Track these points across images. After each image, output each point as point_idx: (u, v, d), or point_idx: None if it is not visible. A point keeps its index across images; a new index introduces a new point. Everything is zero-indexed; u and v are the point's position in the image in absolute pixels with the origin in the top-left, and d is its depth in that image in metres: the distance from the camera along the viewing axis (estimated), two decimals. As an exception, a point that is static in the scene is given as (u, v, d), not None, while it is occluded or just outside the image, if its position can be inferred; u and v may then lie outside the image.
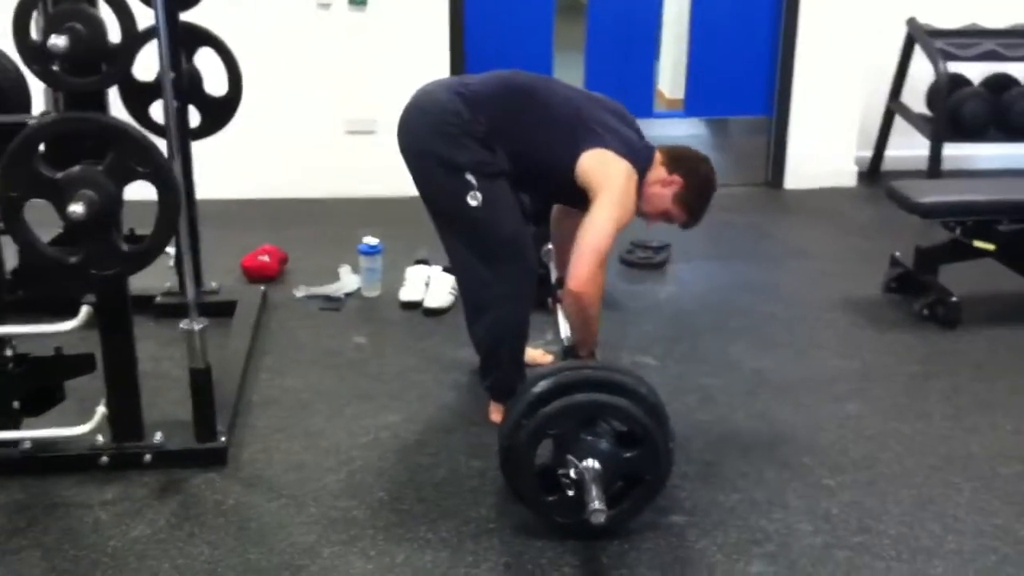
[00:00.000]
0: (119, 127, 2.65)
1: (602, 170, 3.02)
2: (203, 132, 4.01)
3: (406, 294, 4.24)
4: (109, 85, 2.79)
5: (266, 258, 4.49)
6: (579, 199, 3.07)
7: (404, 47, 5.42)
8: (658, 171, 3.17)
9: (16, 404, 2.97)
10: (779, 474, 3.03)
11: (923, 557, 2.66)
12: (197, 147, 3.96)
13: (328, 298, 4.26)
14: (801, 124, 5.85)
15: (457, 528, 2.76)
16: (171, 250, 3.70)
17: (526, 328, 3.27)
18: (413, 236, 4.66)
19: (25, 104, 3.44)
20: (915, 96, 5.89)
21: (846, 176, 5.97)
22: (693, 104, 6.10)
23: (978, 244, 4.10)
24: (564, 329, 3.43)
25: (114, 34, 2.61)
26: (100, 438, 3.00)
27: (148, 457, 3.00)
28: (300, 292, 4.31)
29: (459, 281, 3.32)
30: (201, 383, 2.99)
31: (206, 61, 3.92)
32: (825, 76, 5.75)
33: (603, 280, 3.00)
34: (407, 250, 4.57)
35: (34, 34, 2.61)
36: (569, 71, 5.60)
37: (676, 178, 3.17)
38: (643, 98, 5.96)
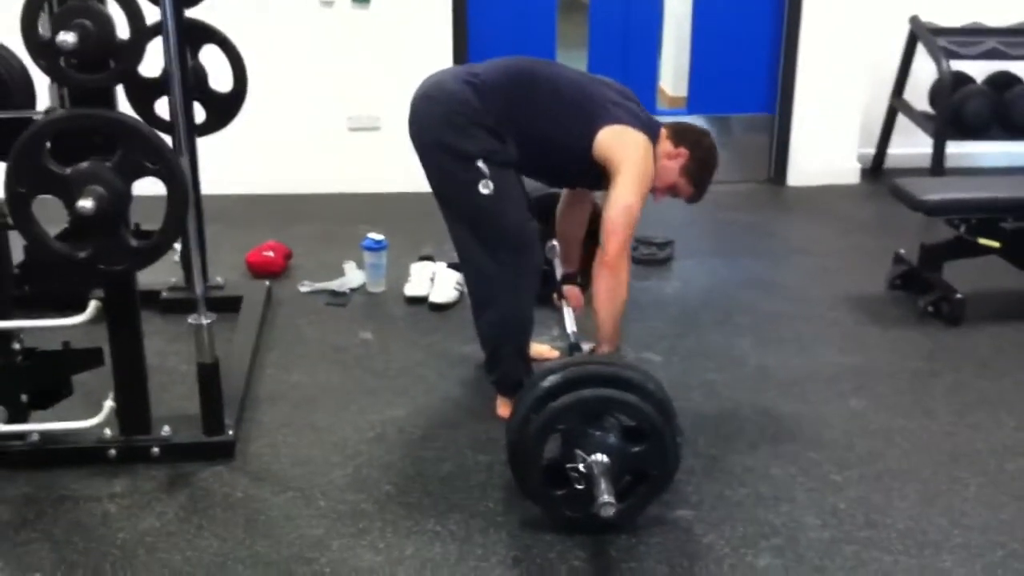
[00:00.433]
0: (129, 123, 2.66)
1: (621, 144, 3.05)
2: (208, 128, 4.02)
3: (411, 289, 4.24)
4: (118, 81, 2.80)
5: (271, 254, 4.50)
6: (595, 178, 3.10)
7: (408, 46, 5.42)
8: (665, 145, 3.21)
9: (24, 397, 2.98)
10: (785, 469, 3.04)
11: (930, 551, 2.66)
12: (202, 143, 3.96)
13: (333, 293, 4.27)
14: (804, 121, 5.85)
15: (465, 522, 2.77)
16: (177, 246, 3.72)
17: (530, 321, 3.28)
18: (418, 232, 4.68)
19: (30, 100, 3.44)
20: (918, 94, 5.90)
21: (849, 173, 5.98)
22: (696, 101, 6.11)
23: (983, 241, 4.10)
24: (570, 324, 3.45)
25: (122, 30, 2.61)
26: (108, 431, 3.01)
27: (156, 450, 3.01)
28: (305, 288, 4.31)
29: (465, 273, 3.33)
30: (209, 377, 3.00)
31: (211, 58, 3.93)
32: (828, 73, 5.75)
33: (629, 256, 3.05)
34: (412, 246, 4.58)
35: (42, 30, 2.62)
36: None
37: (682, 150, 3.21)
38: (646, 96, 5.94)
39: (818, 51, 5.73)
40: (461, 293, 4.14)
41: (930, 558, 2.64)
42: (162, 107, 3.72)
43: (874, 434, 3.25)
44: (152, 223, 2.76)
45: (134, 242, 2.74)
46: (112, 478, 2.94)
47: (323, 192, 5.60)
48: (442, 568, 2.58)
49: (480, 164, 3.02)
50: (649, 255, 4.72)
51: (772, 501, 2.88)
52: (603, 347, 3.14)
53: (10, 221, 2.72)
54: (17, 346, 2.95)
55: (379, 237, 4.31)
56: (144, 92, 3.84)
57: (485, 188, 3.02)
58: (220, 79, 3.94)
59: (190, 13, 3.82)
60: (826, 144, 5.90)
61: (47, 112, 2.78)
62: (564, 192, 3.60)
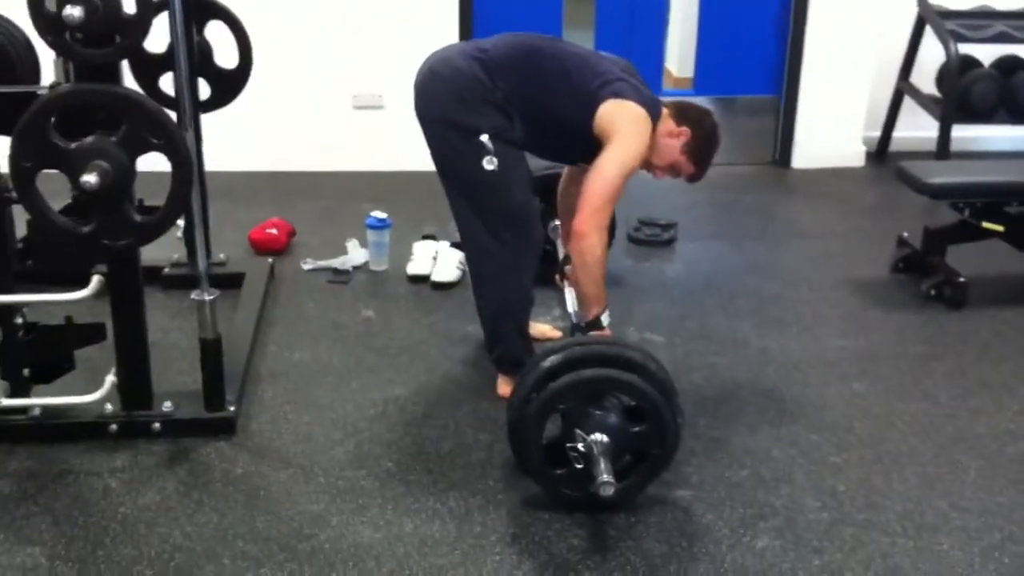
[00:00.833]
0: (134, 98, 2.65)
1: (618, 118, 3.05)
2: (213, 104, 4.01)
3: (414, 268, 4.24)
4: (124, 56, 2.78)
5: (274, 231, 4.50)
6: (599, 153, 3.09)
7: (413, 24, 5.40)
8: (667, 123, 3.20)
9: (26, 372, 2.99)
10: (785, 451, 3.04)
11: (929, 534, 2.67)
12: (206, 119, 3.96)
13: (336, 271, 4.27)
14: (810, 104, 5.84)
15: (465, 499, 2.78)
16: (180, 222, 3.72)
17: (530, 299, 3.29)
18: (421, 211, 4.68)
19: (34, 74, 3.44)
20: (925, 77, 5.88)
21: (854, 156, 5.96)
22: (702, 83, 6.09)
23: (987, 225, 4.10)
24: (572, 304, 3.44)
25: (128, 5, 2.60)
26: (109, 406, 3.01)
27: (157, 426, 3.02)
28: (308, 265, 4.32)
29: (466, 250, 3.33)
30: (211, 353, 3.00)
31: (216, 34, 3.91)
32: (834, 56, 5.73)
33: (605, 224, 3.03)
34: (415, 225, 4.58)
35: (48, 4, 2.61)
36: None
37: (684, 129, 3.20)
38: (652, 76, 5.93)
39: (825, 33, 5.71)
40: (463, 272, 4.14)
41: (928, 541, 2.65)
42: (167, 83, 3.72)
43: (875, 417, 3.25)
44: (156, 199, 2.76)
45: (138, 218, 2.74)
46: (113, 453, 2.95)
47: (327, 170, 5.60)
48: (441, 545, 2.59)
49: (485, 139, 3.02)
50: (652, 236, 4.71)
51: (772, 483, 2.88)
52: (591, 311, 3.13)
53: (14, 195, 2.73)
54: (20, 320, 2.95)
55: (382, 216, 4.31)
56: (149, 68, 3.83)
57: (489, 164, 3.02)
58: (225, 55, 3.93)
59: (196, -12, 3.81)
60: (832, 126, 5.89)
61: (52, 87, 2.77)
62: (566, 171, 3.60)
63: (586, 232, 3.00)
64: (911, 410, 3.30)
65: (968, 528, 2.70)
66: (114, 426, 3.00)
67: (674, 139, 3.21)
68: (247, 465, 2.92)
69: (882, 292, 4.22)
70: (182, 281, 3.91)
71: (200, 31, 3.89)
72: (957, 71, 5.47)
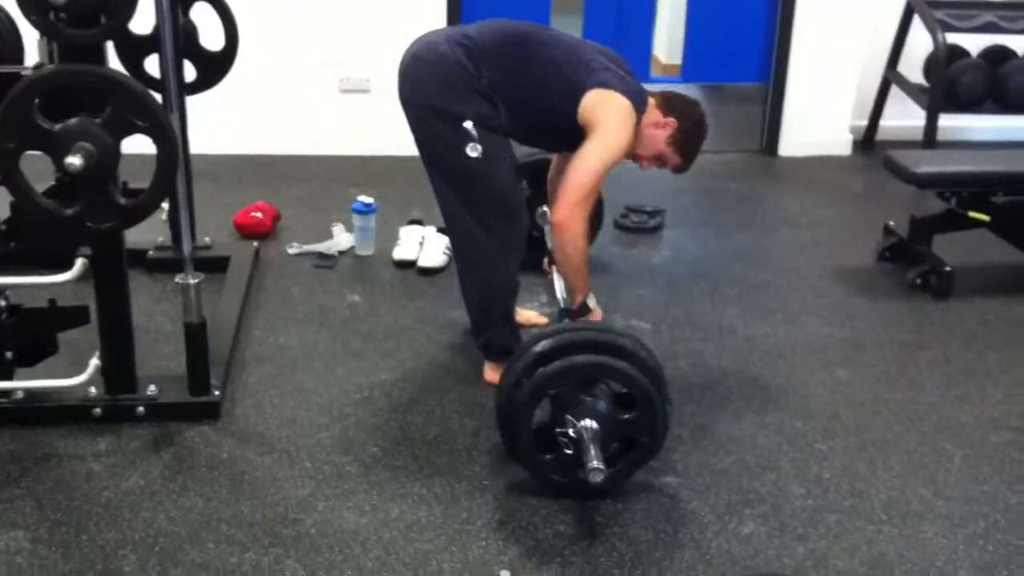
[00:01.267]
0: (119, 80, 2.63)
1: (602, 108, 3.03)
2: (198, 87, 3.99)
3: (400, 253, 4.23)
4: (109, 37, 2.77)
5: (259, 215, 4.47)
6: (583, 142, 3.07)
7: (400, 8, 5.37)
8: (653, 114, 3.18)
9: (9, 355, 2.97)
10: (771, 438, 3.05)
11: (913, 521, 2.68)
12: (191, 102, 3.94)
13: (321, 256, 4.25)
14: (797, 92, 5.83)
15: (451, 485, 2.77)
16: (164, 205, 3.70)
17: (516, 286, 3.28)
18: (407, 196, 4.67)
19: (18, 55, 3.41)
20: (912, 66, 5.88)
21: (841, 145, 5.96)
22: (690, 70, 6.07)
23: (973, 215, 4.10)
24: (560, 291, 3.44)
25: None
26: (93, 390, 3.00)
27: (141, 410, 3.00)
28: (293, 249, 4.30)
29: (451, 236, 3.32)
30: (195, 337, 2.98)
31: (202, 16, 3.89)
32: (823, 44, 5.72)
33: (585, 216, 3.02)
34: (401, 209, 4.56)
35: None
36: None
37: (671, 120, 3.19)
38: (640, 63, 5.91)
39: (813, 21, 5.70)
40: (450, 258, 4.12)
41: (913, 528, 2.66)
42: (152, 65, 3.70)
43: (860, 405, 3.26)
44: (141, 181, 2.73)
45: (122, 200, 2.72)
46: (97, 437, 2.94)
47: (313, 154, 5.57)
48: (427, 531, 2.59)
49: (469, 126, 3.01)
50: (639, 223, 4.71)
51: (757, 470, 2.89)
52: (576, 298, 3.15)
53: (-3, 177, 2.70)
54: (2, 303, 2.93)
55: (369, 200, 4.29)
56: (134, 49, 3.80)
57: (473, 151, 3.01)
58: (211, 37, 3.91)
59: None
60: (819, 115, 5.88)
61: (36, 67, 2.75)
62: (555, 158, 3.59)
63: (567, 225, 2.99)
64: (896, 398, 3.30)
65: (952, 516, 2.71)
66: (98, 410, 2.99)
67: (660, 130, 3.19)
68: (232, 450, 2.91)
69: (868, 281, 4.23)
70: (166, 264, 3.89)
71: (186, 12, 3.86)
72: (945, 60, 5.47)
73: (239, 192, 4.85)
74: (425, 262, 4.15)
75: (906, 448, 3.02)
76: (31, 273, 2.95)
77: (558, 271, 3.26)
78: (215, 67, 3.96)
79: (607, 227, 4.43)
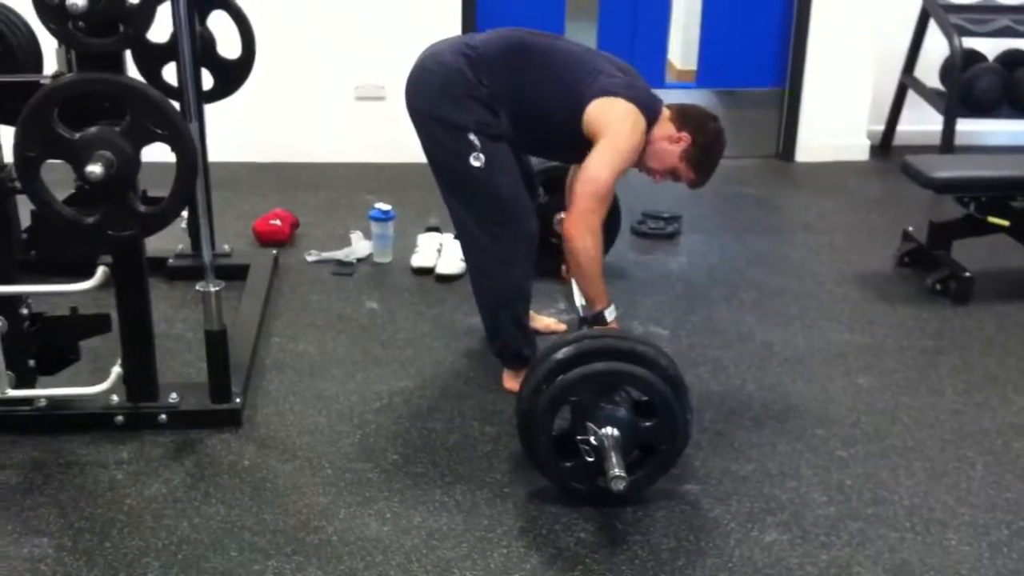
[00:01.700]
0: (138, 88, 2.64)
1: (607, 115, 3.03)
2: (216, 95, 4.00)
3: (418, 260, 4.23)
4: (127, 46, 2.77)
5: (278, 222, 4.48)
6: (588, 152, 3.06)
7: (416, 15, 5.39)
8: (666, 127, 3.17)
9: (31, 363, 2.98)
10: (791, 445, 3.04)
11: (936, 528, 2.67)
12: (209, 110, 3.95)
13: (340, 263, 4.25)
14: (814, 97, 5.81)
15: (471, 492, 2.77)
16: (184, 212, 3.71)
17: (527, 292, 3.26)
18: (424, 202, 4.66)
19: (37, 63, 3.43)
20: (929, 71, 5.86)
21: (858, 150, 5.94)
22: (705, 75, 6.07)
23: (992, 220, 4.09)
24: (579, 298, 3.44)
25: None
26: (115, 398, 3.01)
27: (163, 417, 3.01)
28: (312, 257, 4.30)
29: (461, 244, 3.32)
30: (216, 344, 2.99)
31: (219, 24, 3.90)
32: (838, 49, 5.71)
33: (597, 225, 3.01)
34: (419, 216, 4.57)
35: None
36: (581, 41, 5.55)
37: (684, 135, 3.17)
38: (654, 69, 5.92)
39: (829, 26, 5.68)
40: (468, 264, 4.13)
41: (936, 535, 2.64)
42: (169, 73, 3.71)
43: (880, 411, 3.24)
44: (160, 190, 2.75)
45: (142, 208, 2.73)
46: (119, 444, 2.95)
47: (330, 161, 5.58)
48: (448, 538, 2.59)
49: (471, 137, 3.01)
50: (656, 229, 4.70)
51: (778, 477, 2.88)
52: (593, 307, 3.14)
53: (18, 185, 2.72)
54: (25, 311, 2.94)
55: (386, 208, 4.29)
56: (152, 57, 3.81)
57: (476, 160, 3.01)
58: (228, 46, 3.92)
59: (199, -21, 3.79)
60: (836, 120, 5.87)
61: (55, 76, 2.76)
62: (572, 167, 3.57)
63: (577, 235, 2.99)
64: (916, 405, 3.29)
65: (976, 523, 2.70)
66: (120, 417, 3.00)
67: (673, 145, 3.17)
68: (253, 457, 2.92)
69: (887, 286, 4.21)
70: (186, 272, 3.90)
71: (203, 21, 3.88)
72: (961, 65, 5.45)
73: (257, 200, 4.86)
74: (443, 269, 4.16)
75: (928, 455, 3.01)
76: (53, 281, 2.97)
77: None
78: (232, 75, 3.97)
79: (624, 233, 4.42)
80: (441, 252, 4.25)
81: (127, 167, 2.63)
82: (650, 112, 3.12)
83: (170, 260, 4.05)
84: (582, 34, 5.99)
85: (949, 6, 5.63)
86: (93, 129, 2.61)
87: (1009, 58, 5.81)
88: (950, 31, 5.44)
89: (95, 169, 2.55)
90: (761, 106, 6.24)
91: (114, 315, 2.97)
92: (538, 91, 3.09)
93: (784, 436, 3.09)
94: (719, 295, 4.10)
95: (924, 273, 4.21)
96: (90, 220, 2.68)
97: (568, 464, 2.66)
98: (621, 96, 3.06)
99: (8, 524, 2.60)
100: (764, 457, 2.97)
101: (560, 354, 2.67)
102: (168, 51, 3.75)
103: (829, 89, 5.79)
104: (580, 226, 2.98)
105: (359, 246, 4.33)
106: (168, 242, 3.94)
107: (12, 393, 2.93)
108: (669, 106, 3.22)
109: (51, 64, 3.21)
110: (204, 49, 3.85)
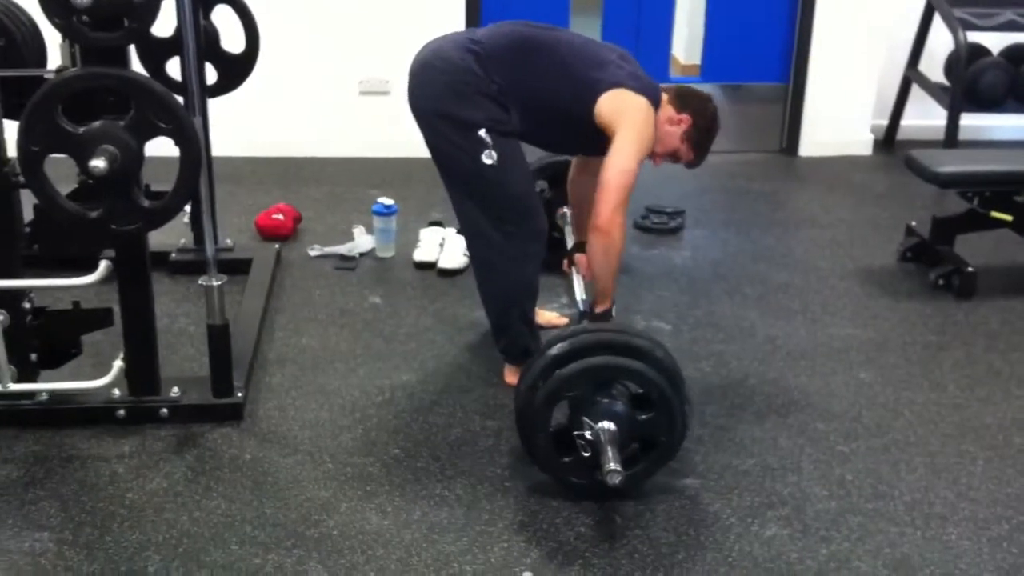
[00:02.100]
0: (142, 83, 2.64)
1: (621, 108, 3.03)
2: (220, 89, 4.01)
3: (420, 255, 4.24)
4: (132, 40, 2.78)
5: (280, 217, 4.49)
6: (599, 144, 3.06)
7: (419, 9, 5.38)
8: (667, 110, 3.18)
9: (33, 356, 2.99)
10: (793, 440, 3.04)
11: (937, 523, 2.67)
12: (213, 104, 3.95)
13: (342, 258, 4.26)
14: (817, 91, 5.81)
15: (472, 486, 2.78)
16: (187, 207, 3.71)
17: (536, 289, 3.27)
18: (427, 197, 4.67)
19: (41, 58, 3.43)
20: (933, 65, 5.85)
21: (862, 144, 5.94)
22: (709, 70, 6.06)
23: (996, 215, 4.08)
24: (580, 292, 3.44)
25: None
26: (117, 392, 3.01)
27: (165, 411, 3.02)
28: (314, 251, 4.31)
29: (468, 243, 3.31)
30: (218, 339, 3.00)
31: (223, 19, 3.90)
32: (843, 43, 5.70)
33: (624, 219, 3.02)
34: (421, 211, 4.57)
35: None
36: (586, 35, 5.55)
37: (685, 116, 3.19)
38: (659, 63, 5.92)
39: (833, 21, 5.67)
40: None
41: (936, 530, 2.65)
42: (173, 67, 3.71)
43: (882, 406, 3.24)
44: (164, 184, 2.75)
45: (146, 203, 2.73)
46: (120, 438, 2.95)
47: (333, 155, 5.58)
48: (449, 532, 2.60)
49: (483, 134, 3.00)
50: (659, 224, 4.70)
51: (779, 471, 2.88)
52: (600, 305, 3.15)
53: (22, 180, 2.72)
54: (27, 305, 2.95)
55: (389, 202, 4.30)
56: (156, 52, 3.82)
57: (488, 158, 3.00)
58: (232, 40, 3.92)
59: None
60: (840, 115, 5.86)
61: (59, 71, 2.77)
62: (576, 159, 3.58)
63: (609, 229, 2.98)
64: (919, 399, 3.29)
65: (976, 518, 2.70)
66: (122, 411, 3.00)
67: (675, 127, 3.19)
68: (255, 451, 2.92)
69: (890, 281, 4.21)
70: (189, 266, 3.91)
71: (207, 15, 3.88)
72: (966, 59, 5.44)
73: (260, 194, 4.87)
74: (445, 263, 4.16)
75: (929, 450, 3.01)
76: (55, 275, 2.97)
77: (590, 273, 3.23)
78: (236, 70, 3.98)
79: (628, 228, 4.37)
80: (443, 246, 4.25)
81: (131, 161, 2.64)
82: (654, 100, 3.13)
83: (173, 254, 4.05)
84: (587, 28, 5.97)
85: (954, 0, 5.61)
86: (97, 123, 2.61)
87: (1014, 52, 5.80)
88: (955, 25, 5.43)
89: (99, 163, 2.55)
90: (765, 101, 6.22)
91: (116, 309, 2.98)
92: (547, 85, 3.08)
93: (786, 430, 3.09)
94: (722, 290, 4.10)
95: (927, 268, 4.21)
96: (93, 214, 2.69)
97: (567, 459, 2.67)
98: (630, 88, 3.06)
99: (9, 518, 2.61)
100: (765, 451, 2.98)
101: (555, 350, 2.67)
102: (172, 45, 3.76)
103: (833, 84, 5.78)
104: (612, 221, 2.97)
105: (362, 240, 4.33)
106: (171, 236, 3.95)
107: (14, 387, 2.94)
108: (666, 89, 3.24)
109: (55, 58, 3.22)
110: (208, 44, 3.87)
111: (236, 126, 4.87)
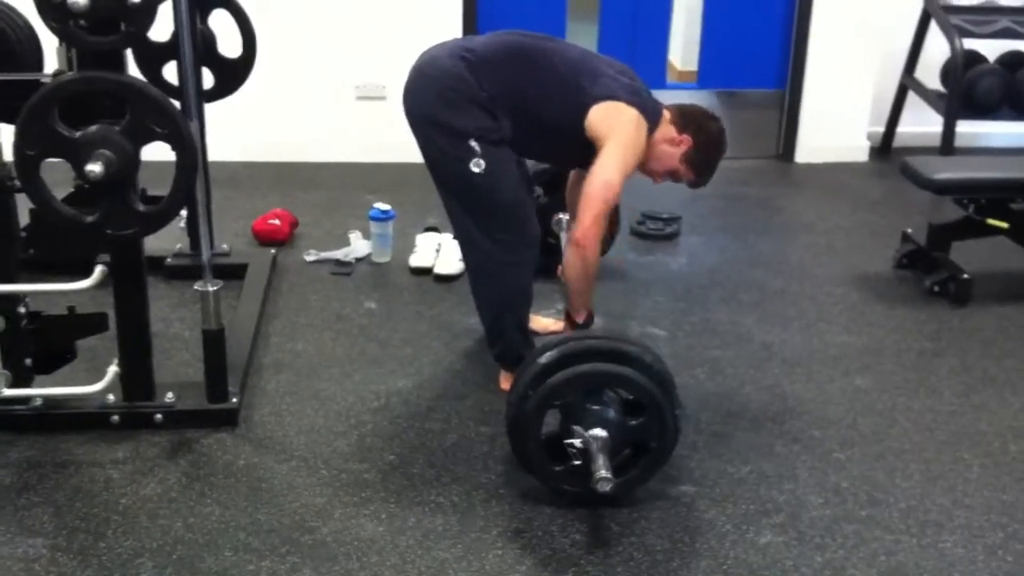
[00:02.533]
0: (138, 87, 2.65)
1: (610, 120, 3.03)
2: (216, 94, 4.00)
3: (417, 260, 4.23)
4: (129, 44, 2.77)
5: (277, 222, 4.48)
6: (590, 156, 3.06)
7: (417, 15, 5.39)
8: (666, 129, 3.16)
9: (28, 361, 2.98)
10: (788, 447, 3.04)
11: (932, 531, 2.67)
12: (209, 109, 3.96)
13: (339, 263, 4.26)
14: (814, 98, 5.81)
15: (467, 493, 2.77)
16: (183, 212, 3.71)
17: (529, 295, 3.27)
18: (424, 203, 4.67)
19: (37, 62, 3.43)
20: (929, 72, 5.86)
21: (858, 151, 5.94)
22: (706, 76, 6.07)
23: (991, 222, 4.09)
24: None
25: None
26: (111, 397, 3.00)
27: (159, 417, 3.01)
28: (310, 256, 4.30)
29: (462, 249, 3.31)
30: (214, 344, 3.00)
31: (220, 23, 3.90)
32: (839, 50, 5.71)
33: (603, 231, 3.03)
34: (418, 216, 4.57)
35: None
36: (582, 42, 5.54)
37: (685, 137, 3.17)
38: (655, 70, 5.92)
39: (830, 27, 5.68)
40: (466, 265, 4.13)
41: (932, 538, 2.64)
42: (170, 72, 3.71)
43: (878, 413, 3.24)
44: (160, 189, 2.75)
45: (142, 207, 2.73)
46: (115, 444, 2.95)
47: (330, 160, 5.58)
48: (443, 539, 2.59)
49: (472, 143, 3.00)
50: (655, 230, 4.70)
51: (775, 479, 2.88)
52: (578, 316, 3.17)
53: (18, 184, 2.72)
54: (22, 310, 2.94)
55: (386, 207, 4.29)
56: (152, 56, 3.81)
57: (476, 167, 3.00)
58: (229, 45, 3.92)
59: (200, -23, 3.79)
60: (836, 121, 5.86)
61: (55, 75, 2.76)
62: (573, 171, 3.56)
63: (589, 244, 3.00)
64: (914, 406, 3.29)
65: (971, 525, 2.70)
66: (116, 417, 3.00)
67: (674, 147, 3.17)
68: (249, 457, 2.92)
69: (886, 288, 4.21)
70: (185, 271, 3.90)
71: (204, 20, 3.88)
72: (962, 66, 5.45)
73: (257, 199, 4.87)
74: (441, 269, 4.16)
75: (925, 457, 3.01)
76: (50, 280, 2.96)
77: (566, 285, 3.24)
78: (233, 74, 3.97)
79: (623, 234, 4.43)
80: (440, 252, 4.25)
81: (127, 166, 2.63)
82: (651, 115, 3.11)
83: (168, 259, 4.05)
84: (583, 35, 6.00)
85: (950, 7, 5.63)
86: (93, 128, 2.61)
87: (1010, 59, 5.81)
88: (951, 32, 5.44)
89: (95, 168, 2.55)
90: (761, 107, 6.23)
91: (112, 314, 2.97)
92: (539, 95, 3.08)
93: (781, 438, 3.09)
94: (718, 296, 4.10)
95: (923, 275, 4.21)
96: (89, 219, 2.68)
97: (559, 467, 2.66)
98: (623, 100, 3.05)
99: (2, 524, 2.60)
100: (761, 458, 2.97)
101: (544, 358, 2.66)
102: (169, 50, 3.75)
103: (829, 90, 5.79)
104: (590, 234, 2.98)
105: (358, 246, 4.33)
106: (167, 241, 3.94)
107: (8, 392, 2.93)
108: (669, 107, 3.22)
109: (52, 62, 3.21)
110: (205, 48, 3.86)
111: (232, 130, 4.87)
